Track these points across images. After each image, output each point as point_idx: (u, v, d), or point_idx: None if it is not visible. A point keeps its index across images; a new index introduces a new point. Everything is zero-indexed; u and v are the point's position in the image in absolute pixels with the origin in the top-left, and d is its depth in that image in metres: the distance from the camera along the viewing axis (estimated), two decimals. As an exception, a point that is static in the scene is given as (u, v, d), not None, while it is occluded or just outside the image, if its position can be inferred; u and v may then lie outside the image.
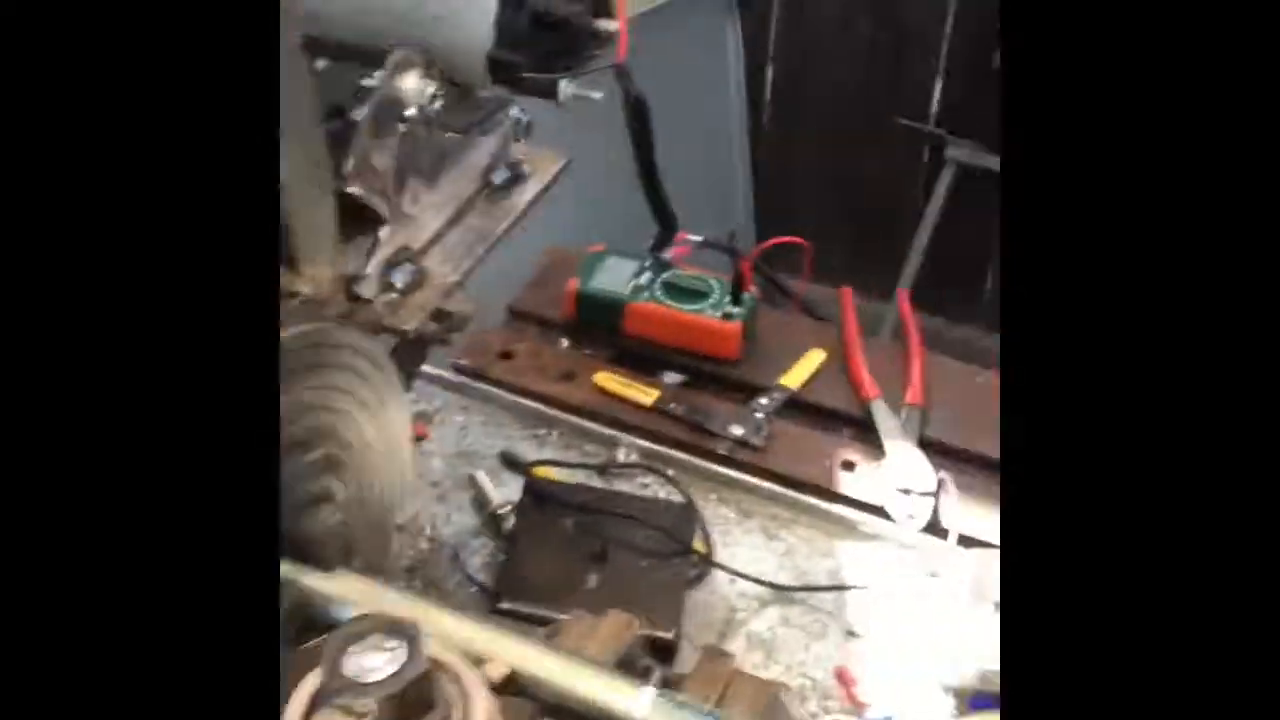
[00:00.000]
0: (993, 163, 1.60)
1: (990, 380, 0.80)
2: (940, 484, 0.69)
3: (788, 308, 0.93)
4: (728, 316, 0.79)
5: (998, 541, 0.67)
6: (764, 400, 0.77)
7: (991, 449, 0.74)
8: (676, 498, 0.70)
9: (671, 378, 0.83)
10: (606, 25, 0.55)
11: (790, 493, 0.71)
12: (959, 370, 0.81)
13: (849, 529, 0.69)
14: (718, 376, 0.80)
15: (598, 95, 0.55)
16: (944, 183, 1.64)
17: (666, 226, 0.79)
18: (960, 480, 0.71)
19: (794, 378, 0.79)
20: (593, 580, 0.62)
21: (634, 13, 1.64)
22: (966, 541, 0.67)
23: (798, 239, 0.86)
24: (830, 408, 0.78)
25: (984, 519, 0.69)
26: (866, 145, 1.74)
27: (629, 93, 0.62)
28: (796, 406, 0.78)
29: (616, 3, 0.55)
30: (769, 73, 1.75)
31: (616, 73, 0.58)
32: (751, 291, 0.81)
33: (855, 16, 1.63)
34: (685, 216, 1.66)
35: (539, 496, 0.66)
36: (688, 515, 0.67)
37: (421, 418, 0.75)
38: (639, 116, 0.65)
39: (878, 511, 0.70)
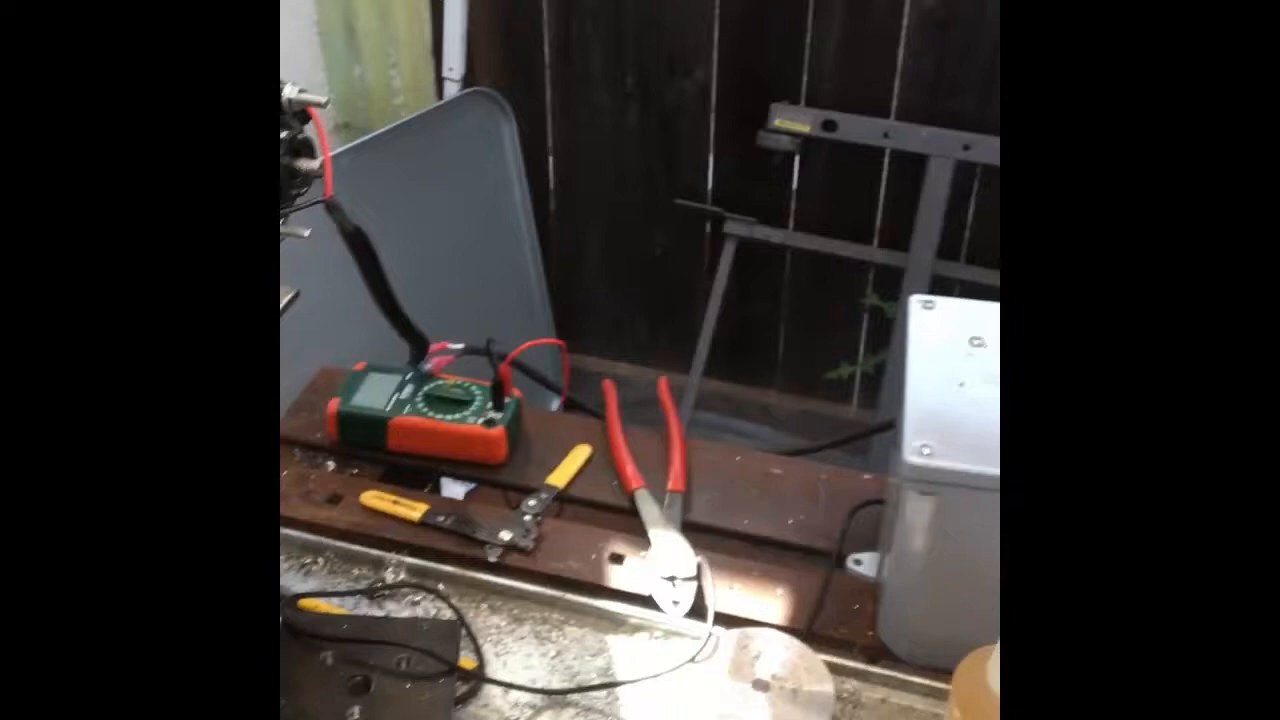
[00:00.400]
0: (771, 234, 1.68)
1: (748, 459, 0.83)
2: (699, 568, 0.72)
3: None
4: (490, 423, 0.80)
5: (754, 618, 0.70)
6: (532, 502, 0.78)
7: (751, 525, 0.78)
8: (447, 613, 0.70)
9: (454, 488, 0.83)
10: (309, 165, 0.56)
11: (560, 593, 0.72)
12: (719, 451, 0.85)
13: (618, 623, 0.71)
14: (486, 483, 0.81)
15: (305, 233, 0.55)
16: (727, 257, 1.71)
17: (416, 345, 0.80)
18: (720, 560, 0.74)
19: (561, 476, 0.80)
20: (355, 713, 0.61)
21: (408, 116, 1.65)
22: (725, 621, 0.69)
23: (556, 340, 0.88)
24: (598, 502, 0.80)
25: (744, 597, 0.72)
26: (652, 226, 1.80)
27: (344, 226, 0.63)
28: (566, 504, 0.80)
29: (319, 142, 0.56)
30: (550, 163, 1.80)
31: (327, 208, 0.59)
32: (514, 395, 0.83)
33: (624, 105, 1.70)
34: (486, 312, 1.67)
35: (296, 632, 0.65)
36: (453, 631, 0.67)
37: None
38: (358, 247, 0.66)
39: (646, 602, 0.71)
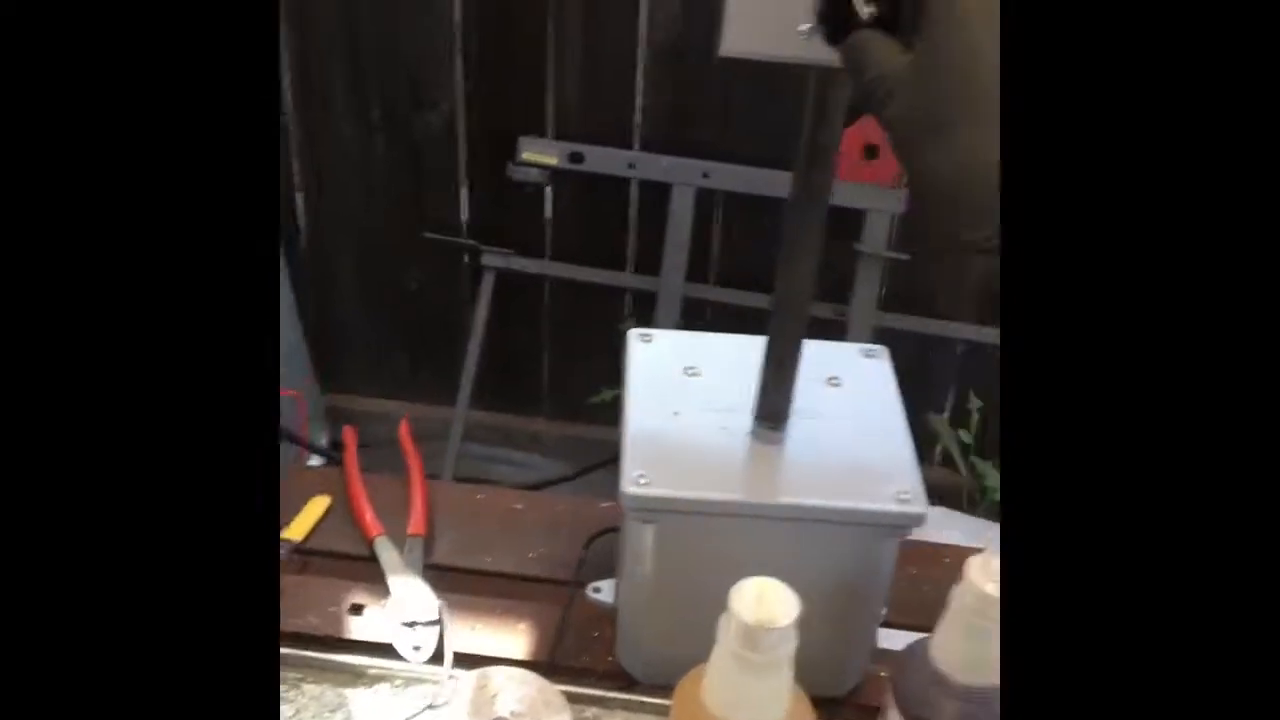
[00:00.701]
0: (527, 265, 1.70)
1: (490, 496, 0.84)
2: (439, 611, 0.72)
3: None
4: (218, 480, 0.78)
5: (497, 656, 0.71)
6: (267, 559, 0.76)
7: (493, 563, 0.78)
8: (174, 684, 0.67)
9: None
10: None
11: (298, 651, 0.70)
12: (461, 491, 0.85)
13: (358, 675, 0.70)
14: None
15: None
16: (486, 289, 1.72)
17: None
18: (463, 600, 0.74)
19: (298, 529, 0.79)
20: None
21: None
22: (468, 662, 0.69)
23: (290, 391, 0.86)
24: (339, 552, 0.79)
25: (485, 636, 0.72)
26: (407, 260, 1.79)
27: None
28: (305, 557, 0.78)
29: None
30: (299, 200, 1.75)
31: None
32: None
33: (370, 138, 1.68)
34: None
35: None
36: (178, 703, 0.65)
37: None
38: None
39: (388, 651, 0.71)
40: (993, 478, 1.72)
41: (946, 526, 1.62)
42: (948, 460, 1.82)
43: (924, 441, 1.80)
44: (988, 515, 1.74)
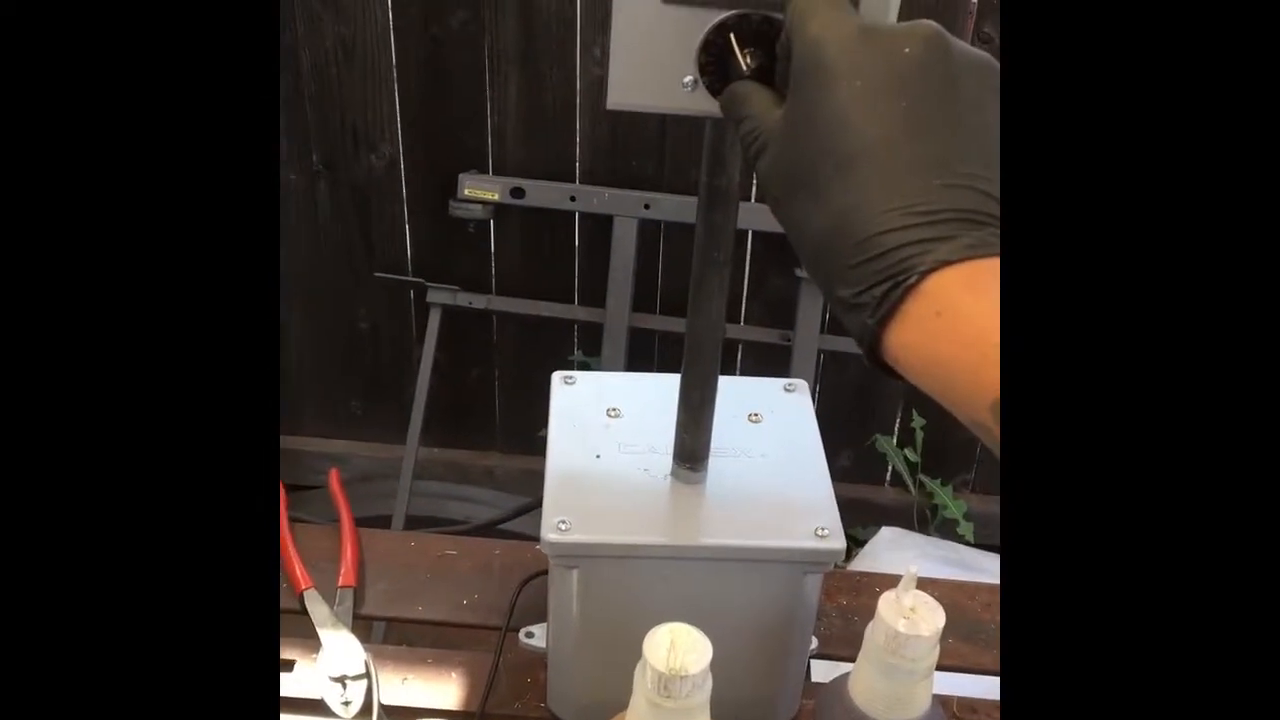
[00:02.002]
0: (474, 300, 1.70)
1: (423, 543, 0.83)
2: (367, 664, 0.71)
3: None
4: (143, 540, 0.77)
5: (427, 707, 0.70)
6: (195, 618, 0.75)
7: (425, 611, 0.78)
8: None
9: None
10: None
11: (225, 711, 0.70)
12: (394, 539, 0.84)
13: (287, 734, 0.69)
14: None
15: None
16: (433, 326, 1.71)
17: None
18: (394, 652, 0.74)
19: (227, 585, 0.78)
20: None
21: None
22: (399, 714, 0.69)
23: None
24: (269, 607, 0.78)
25: (416, 687, 0.72)
26: (355, 301, 1.78)
27: None
28: (235, 614, 0.77)
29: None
30: (242, 245, 1.74)
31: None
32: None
33: (313, 183, 1.68)
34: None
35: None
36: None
37: None
38: None
39: (318, 707, 0.70)
40: (941, 496, 1.73)
41: (899, 546, 1.62)
42: (898, 480, 1.83)
43: (875, 463, 1.84)
44: (939, 533, 1.75)
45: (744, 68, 0.45)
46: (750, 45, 0.45)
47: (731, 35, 0.45)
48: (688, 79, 0.48)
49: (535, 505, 1.00)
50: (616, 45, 0.47)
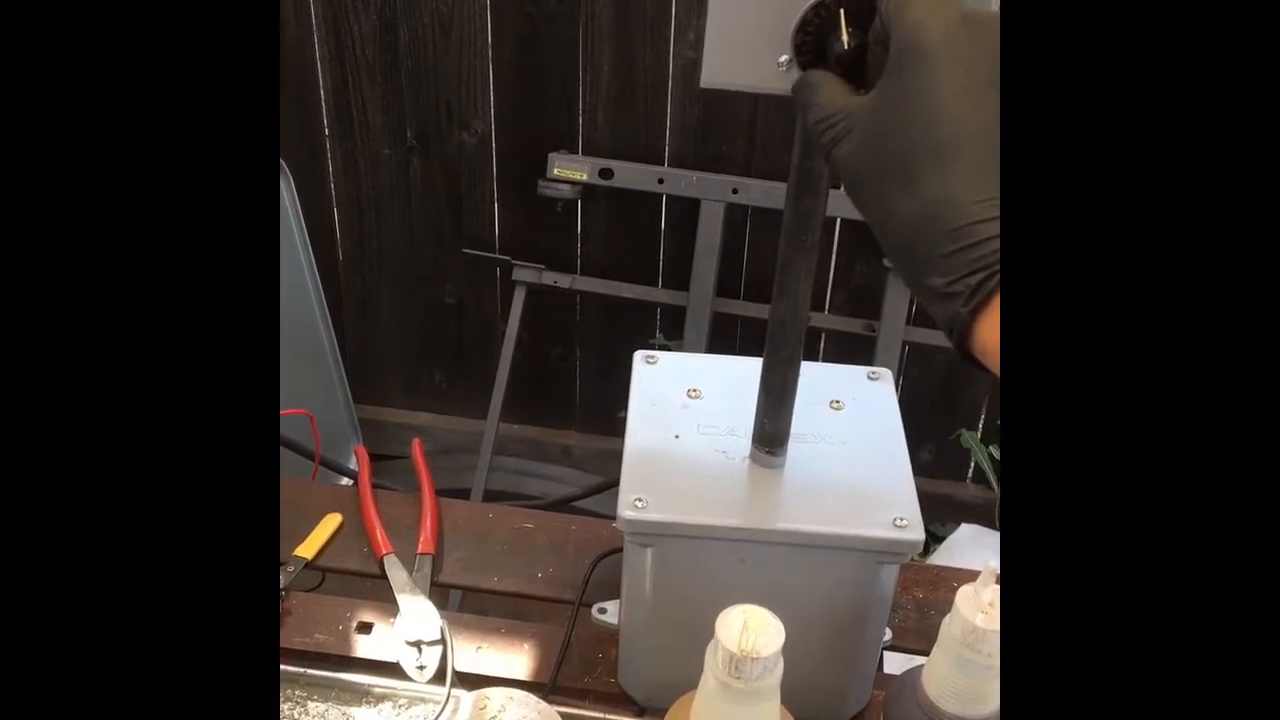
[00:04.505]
0: (559, 279, 1.71)
1: (500, 515, 0.85)
2: (442, 630, 0.73)
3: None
4: (233, 499, 0.79)
5: (500, 676, 0.71)
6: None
7: (500, 582, 0.79)
8: (184, 699, 0.69)
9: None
10: None
11: (304, 669, 0.72)
12: (472, 509, 0.86)
13: (362, 694, 0.71)
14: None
15: None
16: (518, 303, 1.73)
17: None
18: (468, 620, 0.75)
19: (310, 546, 0.80)
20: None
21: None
22: (471, 681, 0.70)
23: (300, 410, 0.88)
24: (349, 570, 0.80)
25: (489, 656, 0.73)
26: (443, 276, 1.81)
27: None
28: (316, 575, 0.79)
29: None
30: (336, 218, 1.78)
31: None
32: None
33: (407, 158, 1.70)
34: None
35: None
36: (185, 719, 0.66)
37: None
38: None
39: (394, 669, 0.72)
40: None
41: (979, 544, 1.60)
42: (980, 478, 1.80)
43: (957, 459, 1.80)
44: (1022, 533, 1.71)
45: (845, 46, 0.45)
46: (851, 25, 0.45)
47: (841, 11, 0.44)
48: (783, 59, 0.48)
49: (611, 484, 1.00)
50: (712, 24, 0.47)
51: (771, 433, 0.65)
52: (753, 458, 0.66)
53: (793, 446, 0.66)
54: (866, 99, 0.41)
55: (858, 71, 0.44)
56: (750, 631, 0.51)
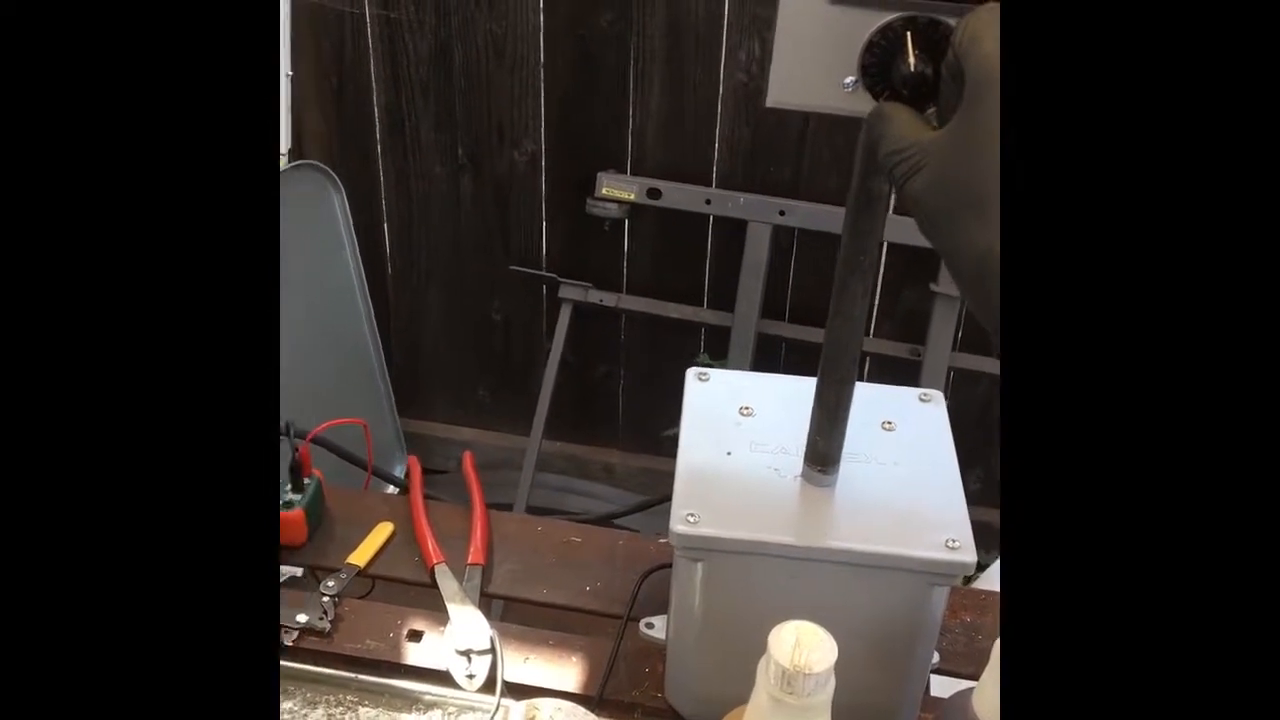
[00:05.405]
0: (605, 298, 1.73)
1: (549, 528, 0.85)
2: (492, 640, 0.73)
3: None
4: (288, 505, 0.81)
5: (548, 687, 0.72)
6: (331, 582, 0.78)
7: (549, 594, 0.80)
8: (238, 701, 0.70)
9: (286, 570, 0.82)
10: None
11: (356, 674, 0.73)
12: (521, 522, 0.87)
13: (413, 701, 0.72)
14: (286, 564, 0.81)
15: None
16: (563, 321, 1.75)
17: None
18: (517, 631, 0.76)
19: (362, 554, 0.81)
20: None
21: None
22: (519, 691, 0.71)
23: (356, 420, 0.89)
24: (400, 578, 0.81)
25: (538, 667, 0.73)
26: (490, 292, 1.83)
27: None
28: (372, 582, 0.80)
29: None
30: (385, 233, 1.81)
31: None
32: (314, 475, 0.83)
33: (457, 175, 1.73)
34: (321, 382, 1.65)
35: None
36: None
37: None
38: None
39: (444, 677, 0.73)
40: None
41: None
42: (1026, 505, 1.78)
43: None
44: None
45: (911, 69, 0.45)
46: (918, 49, 0.45)
47: (908, 34, 0.45)
48: (849, 80, 0.48)
49: (653, 503, 1.01)
50: (780, 43, 0.47)
51: (824, 451, 0.65)
52: (805, 476, 0.66)
53: (844, 466, 0.66)
54: (940, 133, 0.42)
55: (923, 95, 0.45)
56: (803, 647, 0.52)
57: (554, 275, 1.75)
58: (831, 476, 0.66)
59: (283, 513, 0.80)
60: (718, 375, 0.75)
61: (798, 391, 0.72)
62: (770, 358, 1.69)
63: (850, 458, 0.66)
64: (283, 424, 0.83)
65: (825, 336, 0.62)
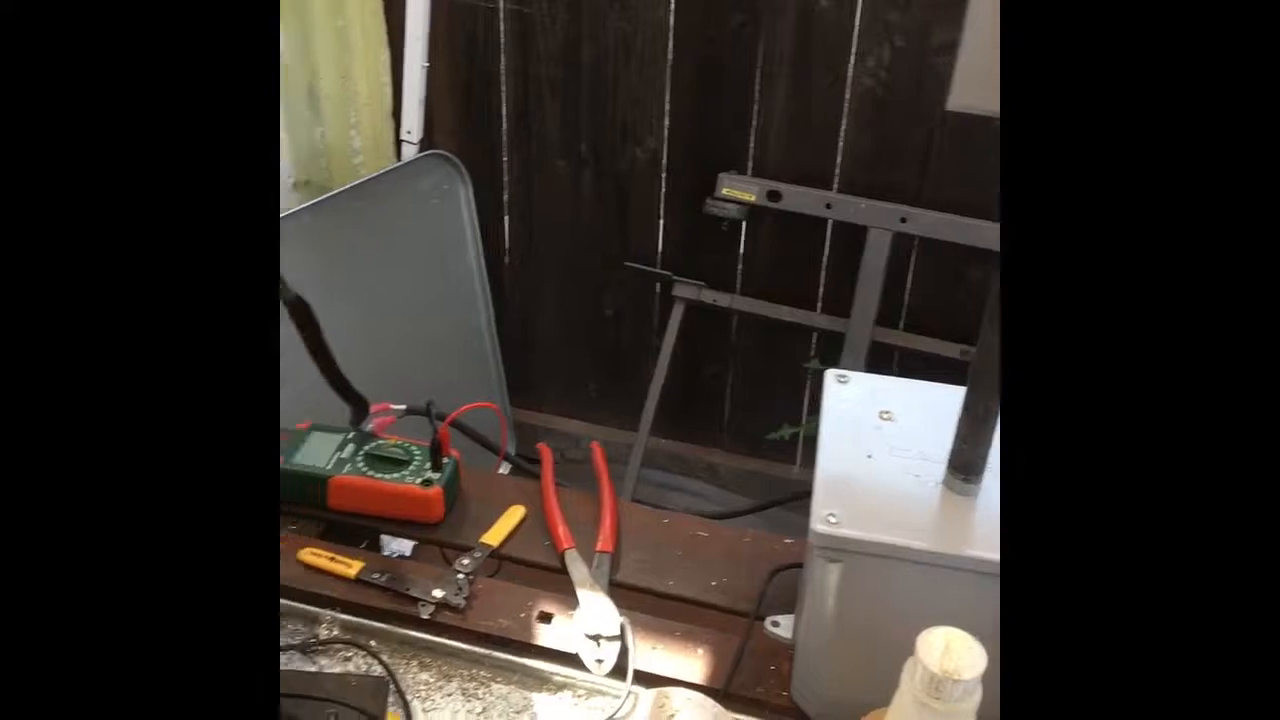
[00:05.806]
0: (718, 298, 1.73)
1: (676, 521, 0.86)
2: (623, 628, 0.75)
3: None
4: (428, 483, 0.83)
5: (674, 677, 0.73)
6: (466, 560, 0.80)
7: (675, 586, 0.81)
8: (377, 670, 0.72)
9: (399, 545, 0.85)
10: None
11: (489, 651, 0.74)
12: (648, 514, 0.88)
13: (543, 681, 0.73)
14: (423, 541, 0.84)
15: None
16: (675, 319, 1.76)
17: (356, 407, 0.83)
18: (644, 620, 0.77)
19: (495, 535, 0.83)
20: (282, 766, 0.63)
21: (366, 176, 1.69)
22: (646, 680, 0.72)
23: (489, 404, 0.91)
24: (531, 561, 0.83)
25: (665, 656, 0.74)
26: (604, 288, 1.85)
27: (284, 296, 0.66)
28: (499, 563, 0.82)
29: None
30: (506, 225, 1.84)
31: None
32: (452, 455, 0.86)
33: (579, 171, 1.75)
34: (438, 369, 1.68)
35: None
36: (382, 688, 0.70)
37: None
38: (299, 316, 0.70)
39: (572, 660, 0.74)
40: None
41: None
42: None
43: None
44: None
45: None
46: None
47: None
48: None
49: (761, 507, 1.01)
50: (967, 47, 0.48)
51: (969, 459, 0.65)
52: (946, 483, 0.66)
53: (988, 476, 0.66)
54: None
55: None
56: (952, 653, 0.52)
57: (669, 273, 1.76)
58: (975, 485, 0.65)
59: (422, 490, 0.83)
60: (857, 378, 0.75)
61: (938, 398, 0.71)
62: (883, 365, 1.68)
63: (994, 469, 0.66)
64: (424, 404, 0.85)
65: (978, 345, 0.62)
